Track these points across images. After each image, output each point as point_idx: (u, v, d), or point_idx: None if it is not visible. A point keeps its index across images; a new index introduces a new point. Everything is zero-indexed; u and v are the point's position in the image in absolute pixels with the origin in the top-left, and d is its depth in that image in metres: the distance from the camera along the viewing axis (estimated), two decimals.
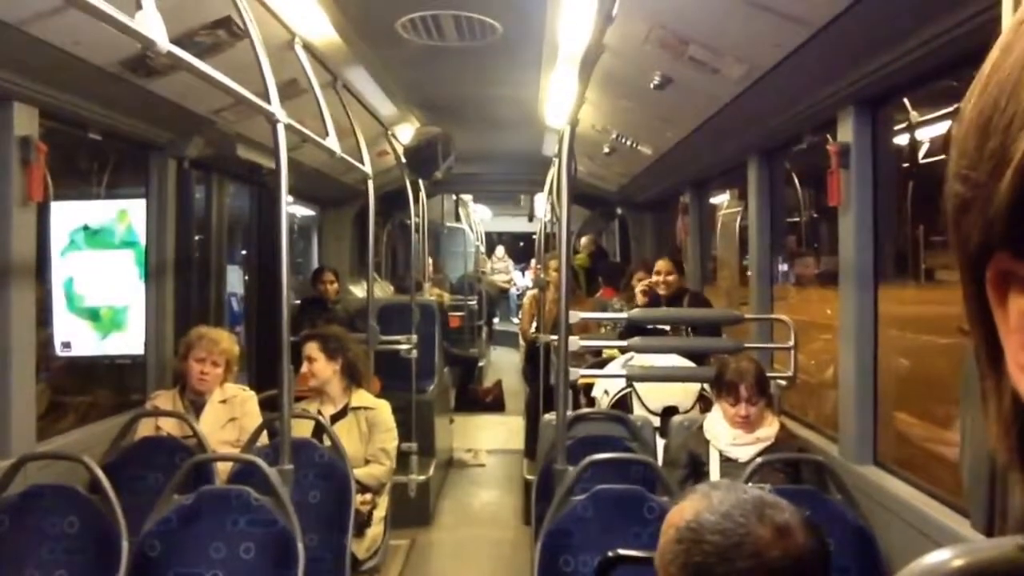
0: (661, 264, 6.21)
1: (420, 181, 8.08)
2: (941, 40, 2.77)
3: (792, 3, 2.97)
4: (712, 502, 1.69)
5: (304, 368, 4.74)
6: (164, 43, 2.26)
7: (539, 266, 9.13)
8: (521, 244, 21.65)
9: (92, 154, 5.12)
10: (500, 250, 20.59)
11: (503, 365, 14.31)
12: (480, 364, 12.71)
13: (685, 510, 1.73)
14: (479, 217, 17.94)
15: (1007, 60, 0.44)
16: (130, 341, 4.99)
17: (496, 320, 17.42)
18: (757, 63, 3.63)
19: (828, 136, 4.08)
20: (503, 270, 19.87)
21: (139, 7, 2.19)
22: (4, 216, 3.63)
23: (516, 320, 16.55)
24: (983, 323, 0.47)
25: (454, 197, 14.67)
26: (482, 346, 13.87)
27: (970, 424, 2.68)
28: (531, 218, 12.94)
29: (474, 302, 14.15)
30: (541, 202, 9.24)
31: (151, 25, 2.23)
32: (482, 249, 18.13)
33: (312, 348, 4.77)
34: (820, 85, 3.71)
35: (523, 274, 20.53)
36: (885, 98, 3.71)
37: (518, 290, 19.44)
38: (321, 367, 4.74)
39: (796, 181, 5.61)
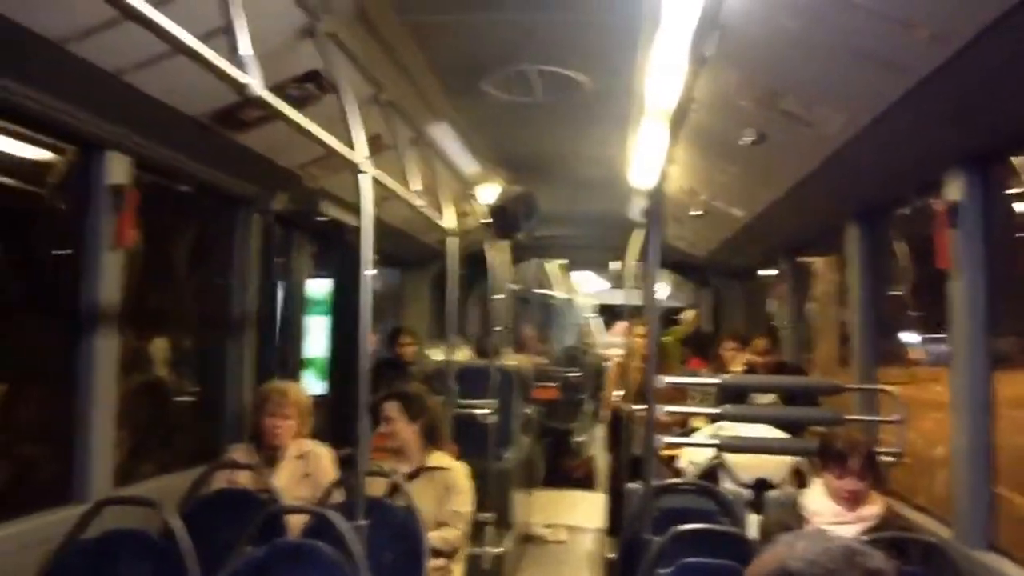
0: (759, 343, 6.18)
1: (503, 243, 8.17)
2: None
3: (894, 50, 2.93)
4: (796, 550, 1.65)
5: (383, 428, 4.82)
6: (258, 87, 2.40)
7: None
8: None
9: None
10: (621, 325, 20.40)
11: (601, 440, 14.16)
12: (580, 439, 12.62)
13: (766, 561, 1.67)
14: (589, 288, 17.88)
15: None
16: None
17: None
18: (855, 116, 3.58)
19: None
20: (618, 344, 19.66)
21: (234, 52, 2.34)
22: (94, 261, 3.81)
23: None
24: None
25: (556, 265, 14.69)
26: (585, 421, 13.78)
27: None
28: (618, 284, 12.94)
29: (576, 374, 14.06)
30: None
31: (246, 70, 2.38)
32: (592, 320, 18.03)
33: (392, 408, 4.83)
34: (925, 140, 3.63)
35: None
36: (999, 154, 3.64)
37: None
38: (401, 427, 4.80)
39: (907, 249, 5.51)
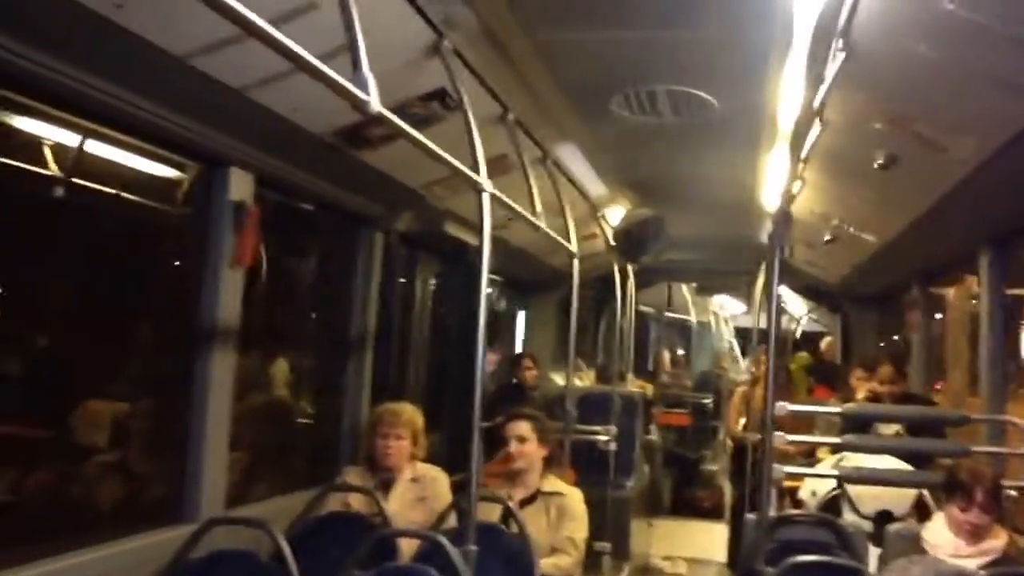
0: (884, 371, 6.02)
1: (630, 267, 8.12)
2: None
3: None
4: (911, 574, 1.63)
5: (513, 448, 4.78)
6: (376, 104, 2.40)
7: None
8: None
9: None
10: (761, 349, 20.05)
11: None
12: (712, 468, 12.46)
13: None
14: (729, 312, 17.67)
15: None
16: None
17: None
18: (987, 139, 3.54)
19: None
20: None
21: (355, 69, 2.34)
22: (213, 278, 3.87)
23: None
24: None
25: (686, 287, 14.56)
26: (715, 448, 13.59)
27: None
28: (749, 309, 12.75)
29: (708, 400, 13.87)
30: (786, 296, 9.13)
31: (365, 87, 2.37)
32: (733, 345, 17.82)
33: (526, 428, 4.80)
34: None
35: None
36: None
37: None
38: (533, 448, 4.77)
39: None
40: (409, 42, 3.39)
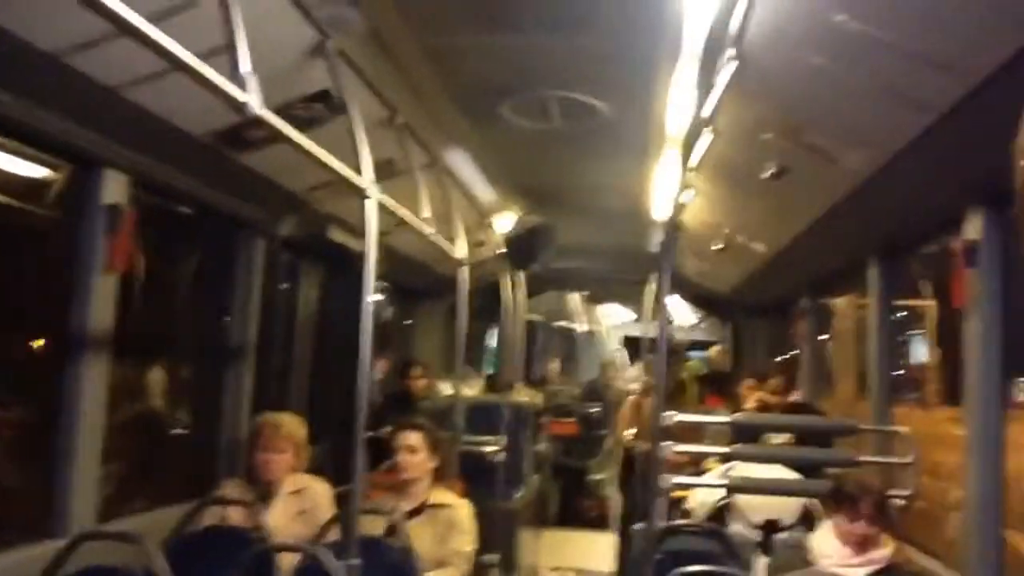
0: (774, 381, 6.16)
1: (520, 275, 8.14)
2: None
3: (915, 86, 2.98)
4: None
5: (401, 458, 4.73)
6: (256, 106, 2.36)
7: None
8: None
9: None
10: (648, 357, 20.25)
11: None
12: (599, 477, 12.53)
13: None
14: (615, 320, 17.82)
15: None
16: None
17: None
18: (877, 151, 3.62)
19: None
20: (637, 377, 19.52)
21: (234, 69, 2.31)
22: (85, 283, 3.76)
23: None
24: None
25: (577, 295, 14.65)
26: (602, 458, 13.68)
27: None
28: (640, 318, 12.91)
29: (596, 410, 13.96)
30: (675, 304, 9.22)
31: (245, 87, 2.34)
32: (618, 354, 17.96)
33: (416, 438, 4.73)
34: (945, 177, 3.67)
35: None
36: (1017, 193, 3.65)
37: None
38: (422, 459, 4.73)
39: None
40: (293, 43, 3.35)
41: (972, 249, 3.74)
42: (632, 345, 19.20)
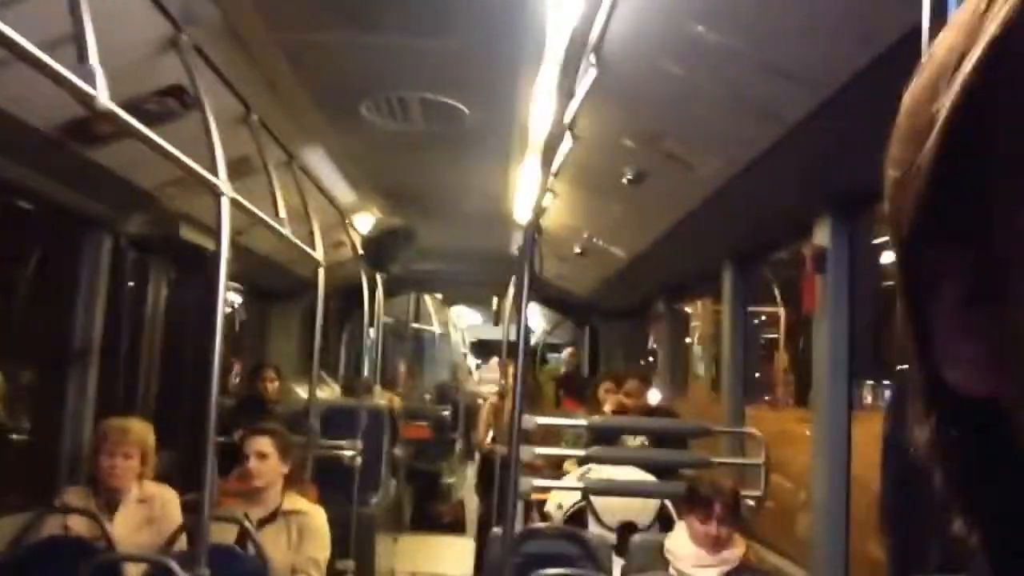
0: (631, 384, 6.26)
1: (378, 277, 8.11)
2: None
3: (769, 97, 3.07)
4: None
5: (251, 465, 4.66)
6: (104, 99, 2.31)
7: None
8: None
9: None
10: (495, 360, 20.39)
11: (471, 483, 14.02)
12: (450, 481, 12.55)
13: None
14: (466, 322, 17.86)
15: (941, 49, 0.48)
16: None
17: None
18: (732, 159, 3.72)
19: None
20: (493, 381, 19.57)
21: (81, 60, 2.24)
22: None
23: None
24: (915, 314, 0.50)
25: (430, 298, 14.64)
26: (454, 461, 13.69)
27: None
28: (496, 321, 12.96)
29: (447, 412, 13.96)
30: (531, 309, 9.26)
31: (92, 80, 2.28)
32: (467, 356, 18.01)
33: (266, 444, 4.66)
34: (796, 185, 3.80)
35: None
36: (864, 201, 3.79)
37: None
38: (273, 466, 4.66)
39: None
40: (145, 35, 3.28)
41: (821, 255, 3.86)
42: (482, 348, 19.43)
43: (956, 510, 0.50)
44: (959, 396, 0.47)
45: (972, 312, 0.46)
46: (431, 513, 11.17)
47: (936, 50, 0.48)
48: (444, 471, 12.68)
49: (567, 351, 10.94)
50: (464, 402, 14.97)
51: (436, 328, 15.99)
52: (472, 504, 11.39)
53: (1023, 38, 0.43)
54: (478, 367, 19.39)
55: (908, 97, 0.50)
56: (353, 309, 10.16)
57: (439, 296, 15.46)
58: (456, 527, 11.21)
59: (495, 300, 14.91)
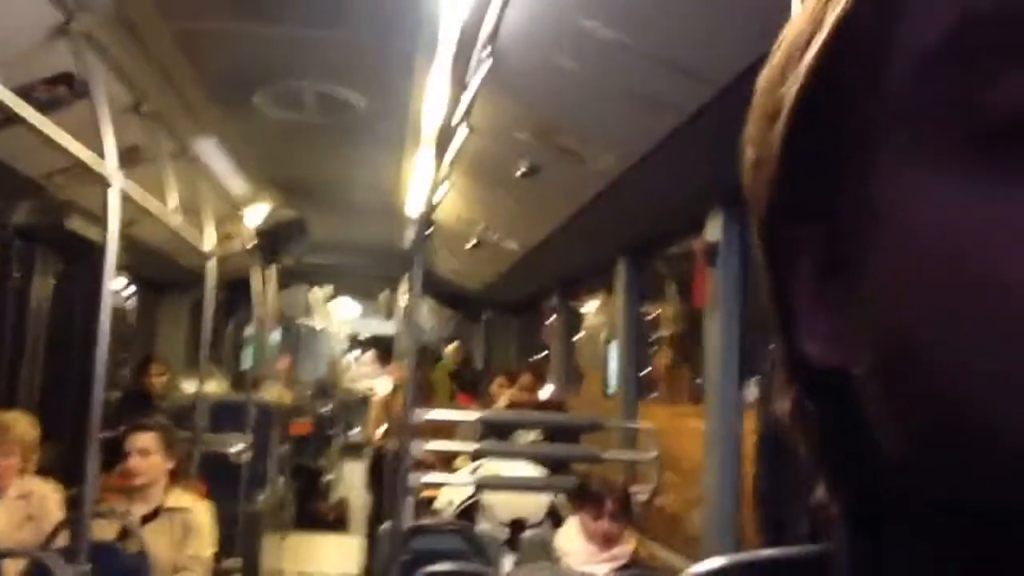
0: (525, 379, 6.33)
1: (271, 270, 8.07)
2: None
3: (662, 90, 3.12)
4: None
5: (133, 461, 4.61)
6: None
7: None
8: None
9: None
10: (369, 354, 20.31)
11: (355, 480, 13.94)
12: (328, 478, 12.49)
13: None
14: (344, 316, 17.75)
15: (791, 33, 0.51)
16: None
17: (356, 430, 17.01)
18: (625, 153, 3.76)
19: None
20: (365, 375, 19.52)
21: None
22: None
23: None
24: (777, 291, 0.52)
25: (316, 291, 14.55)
26: (332, 458, 13.62)
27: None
28: (389, 316, 12.96)
29: (327, 409, 13.89)
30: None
31: None
32: (346, 351, 17.93)
33: (150, 440, 4.59)
34: (688, 179, 3.83)
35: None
36: None
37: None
38: (156, 463, 4.61)
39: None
40: (35, 22, 3.24)
41: (713, 250, 3.92)
42: (360, 342, 19.42)
43: (818, 479, 0.53)
44: (815, 368, 0.49)
45: (827, 286, 0.48)
46: (314, 511, 11.09)
47: (787, 34, 0.51)
48: (325, 468, 12.62)
49: (452, 345, 10.98)
50: (342, 398, 14.95)
51: (317, 322, 15.90)
52: (357, 502, 11.39)
53: (863, 22, 0.46)
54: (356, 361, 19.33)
55: (762, 79, 0.52)
56: (240, 302, 10.07)
57: (326, 289, 15.35)
58: (340, 525, 11.17)
59: (384, 294, 14.93)
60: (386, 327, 19.55)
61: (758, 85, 0.52)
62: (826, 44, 0.46)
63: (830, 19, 0.47)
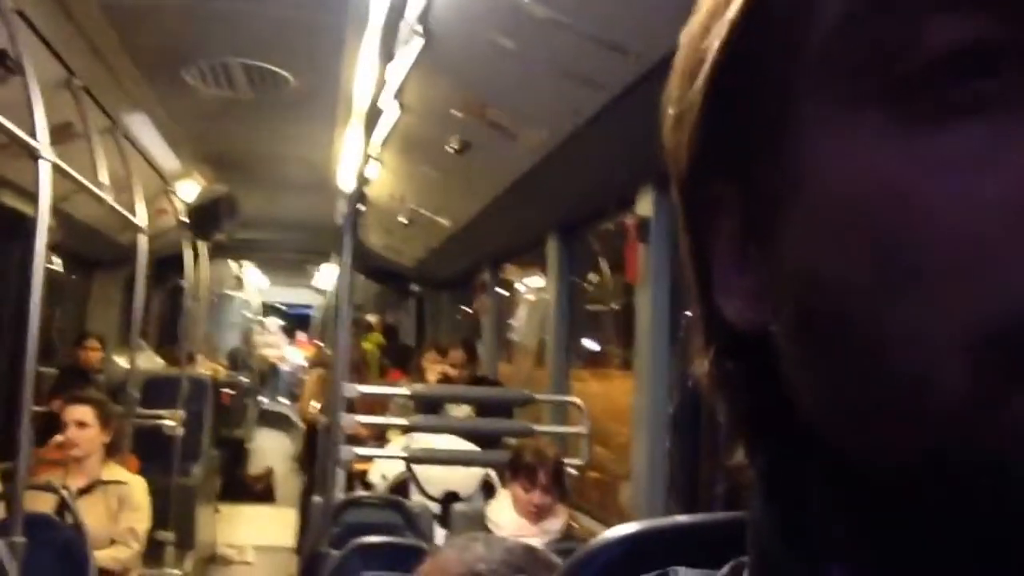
0: (456, 354, 6.38)
1: (202, 245, 8.04)
2: None
3: (592, 67, 3.15)
4: (474, 553, 1.72)
5: (70, 433, 4.61)
6: None
7: (317, 342, 9.17)
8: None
9: None
10: (270, 322, 20.24)
11: (272, 449, 13.92)
12: (249, 446, 12.48)
13: (446, 568, 1.71)
14: (256, 286, 17.71)
15: None
16: None
17: (264, 399, 17.00)
18: (556, 130, 3.79)
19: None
20: (273, 344, 19.45)
21: None
22: None
23: (284, 400, 16.26)
24: (696, 250, 0.52)
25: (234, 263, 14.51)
26: (250, 427, 13.56)
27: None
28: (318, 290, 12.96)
29: (247, 379, 13.85)
30: (328, 273, 9.23)
31: None
32: (260, 320, 17.92)
33: (86, 413, 4.61)
34: (619, 156, 3.87)
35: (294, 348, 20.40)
36: None
37: (290, 367, 19.09)
38: (93, 435, 4.61)
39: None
40: None
41: (644, 225, 3.97)
42: (272, 311, 19.47)
43: (735, 442, 0.52)
44: (734, 328, 0.49)
45: (746, 244, 0.48)
46: (240, 482, 11.07)
47: None
48: (246, 437, 12.59)
49: (374, 318, 10.99)
50: (257, 367, 14.89)
51: (236, 292, 15.88)
52: (280, 472, 11.39)
53: None
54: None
55: (684, 36, 0.52)
56: (168, 276, 10.00)
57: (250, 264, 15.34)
58: (267, 496, 11.17)
59: (314, 269, 14.90)
60: (299, 296, 19.69)
61: (680, 41, 0.52)
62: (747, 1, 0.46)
63: None
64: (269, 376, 17.83)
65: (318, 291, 17.29)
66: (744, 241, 0.48)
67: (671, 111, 0.52)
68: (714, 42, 0.47)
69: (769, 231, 0.46)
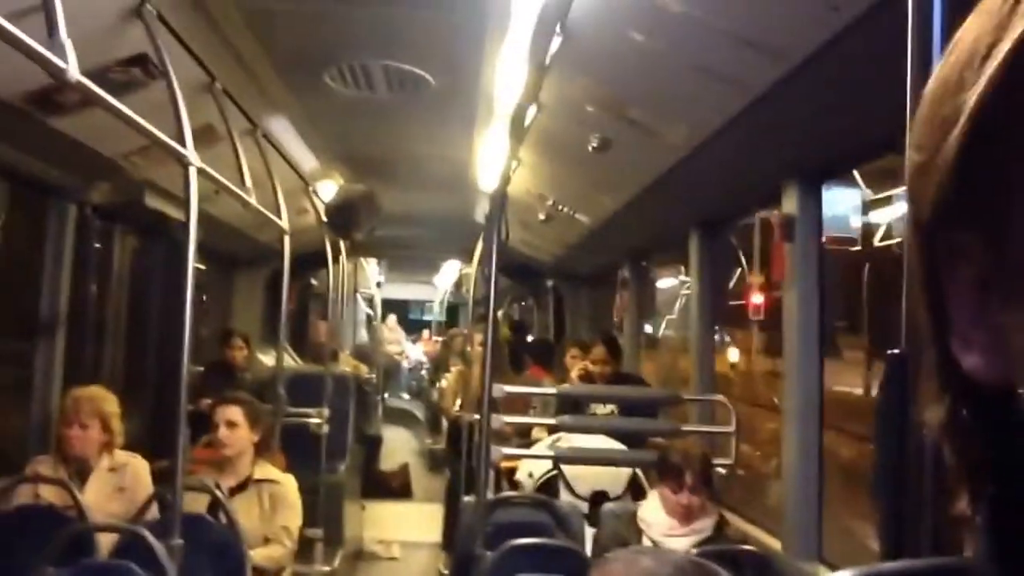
0: (597, 351, 6.30)
1: (341, 243, 8.12)
2: (883, 113, 2.90)
3: (734, 66, 3.08)
4: (642, 567, 1.66)
5: (221, 433, 4.68)
6: (74, 72, 2.31)
7: (436, 339, 9.18)
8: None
9: None
10: (392, 319, 20.42)
11: (401, 446, 14.00)
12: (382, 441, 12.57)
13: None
14: (375, 282, 17.90)
15: (968, 36, 0.48)
16: None
17: (386, 395, 17.17)
18: (698, 128, 3.74)
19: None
20: (394, 341, 19.63)
21: (51, 34, 2.24)
22: None
23: (406, 396, 16.48)
24: (931, 296, 0.51)
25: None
26: (379, 424, 13.67)
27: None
28: (460, 287, 13.00)
29: (374, 376, 13.95)
30: (449, 270, 9.21)
31: (62, 53, 2.28)
32: (384, 317, 18.11)
33: (236, 413, 4.68)
34: (763, 154, 3.82)
35: (414, 345, 20.57)
36: (831, 169, 3.83)
37: (410, 363, 19.25)
38: (243, 435, 4.67)
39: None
40: (109, 4, 3.26)
41: (790, 223, 3.88)
42: (392, 309, 19.69)
43: (962, 490, 0.51)
44: (973, 380, 0.48)
45: (988, 297, 0.47)
46: (378, 478, 11.15)
47: (963, 36, 0.49)
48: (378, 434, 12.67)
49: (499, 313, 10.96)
50: (382, 363, 15.02)
51: (365, 290, 16.08)
52: (414, 469, 11.42)
53: None
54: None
55: (934, 82, 0.50)
56: (306, 275, 10.14)
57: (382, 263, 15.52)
58: (405, 492, 11.22)
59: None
60: (415, 292, 19.85)
61: (929, 88, 0.51)
62: (1011, 55, 0.44)
63: (1015, 30, 0.44)
64: (392, 373, 18.04)
65: (434, 287, 17.38)
66: (985, 293, 0.48)
67: (916, 158, 0.51)
68: (970, 97, 0.46)
69: (1014, 293, 0.46)
